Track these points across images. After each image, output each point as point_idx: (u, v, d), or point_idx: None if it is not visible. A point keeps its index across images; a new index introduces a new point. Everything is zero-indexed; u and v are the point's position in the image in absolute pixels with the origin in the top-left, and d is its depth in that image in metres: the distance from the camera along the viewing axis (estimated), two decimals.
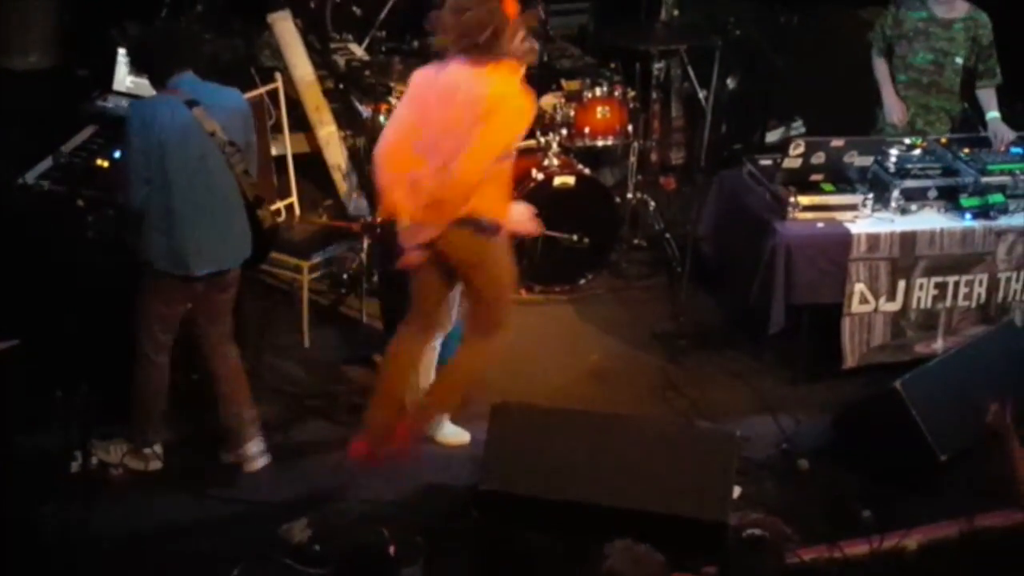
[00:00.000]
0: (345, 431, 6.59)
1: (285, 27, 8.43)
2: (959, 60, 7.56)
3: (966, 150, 7.44)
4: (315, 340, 7.30)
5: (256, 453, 6.28)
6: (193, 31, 6.03)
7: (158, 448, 6.25)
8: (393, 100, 7.56)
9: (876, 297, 7.12)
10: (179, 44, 5.98)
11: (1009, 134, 7.55)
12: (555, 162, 7.85)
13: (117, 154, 6.49)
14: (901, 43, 7.61)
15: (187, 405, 6.50)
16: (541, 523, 5.83)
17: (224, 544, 5.85)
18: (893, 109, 7.65)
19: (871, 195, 7.14)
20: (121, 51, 7.43)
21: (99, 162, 6.65)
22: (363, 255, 7.45)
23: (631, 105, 8.22)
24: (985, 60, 7.59)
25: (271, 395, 6.80)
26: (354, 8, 9.11)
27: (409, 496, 6.24)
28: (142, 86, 7.24)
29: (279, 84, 7.87)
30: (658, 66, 8.63)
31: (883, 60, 7.67)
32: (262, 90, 7.65)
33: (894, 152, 7.35)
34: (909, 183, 7.18)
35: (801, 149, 7.09)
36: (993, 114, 7.63)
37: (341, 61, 8.65)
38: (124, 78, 7.33)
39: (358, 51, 8.80)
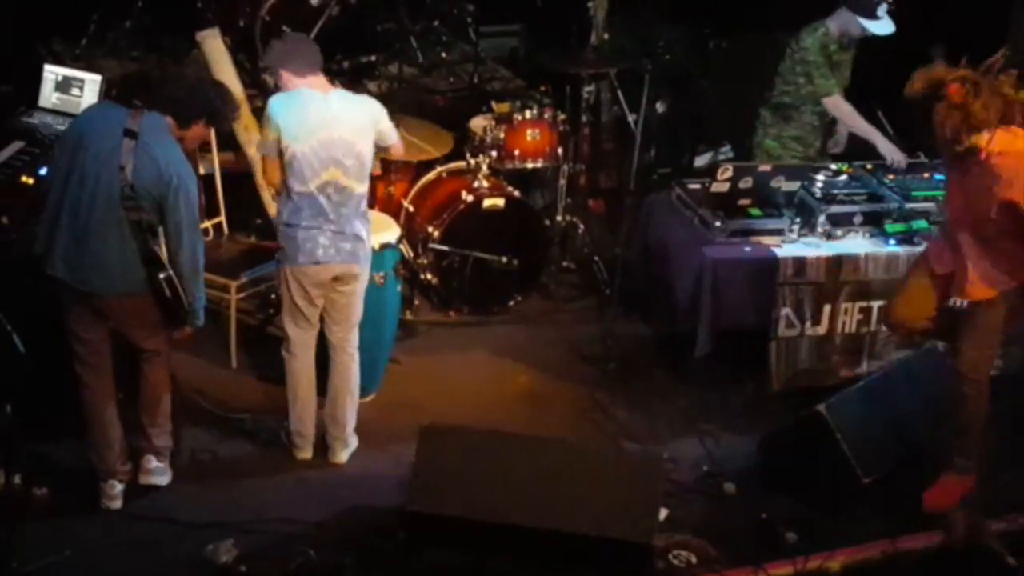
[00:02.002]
0: (272, 451, 6.62)
1: (214, 45, 8.42)
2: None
3: (891, 176, 7.59)
4: (243, 360, 7.31)
5: (151, 469, 6.28)
6: (213, 97, 5.92)
7: (112, 487, 6.15)
8: None
9: (802, 321, 7.22)
10: (176, 89, 5.99)
11: (898, 152, 7.70)
12: (485, 184, 7.91)
13: (43, 171, 6.48)
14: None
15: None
16: (468, 544, 5.87)
17: (149, 565, 5.85)
18: (893, 152, 7.73)
19: (798, 220, 7.25)
20: (48, 68, 7.42)
21: (24, 179, 6.64)
22: None
23: (561, 128, 8.28)
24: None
25: (198, 415, 6.80)
26: (284, 27, 9.11)
27: (336, 517, 6.25)
28: (69, 103, 7.29)
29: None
30: (588, 89, 8.71)
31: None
32: None
33: (820, 178, 7.47)
34: (835, 208, 7.30)
35: (729, 174, 7.19)
36: (878, 139, 7.76)
37: (271, 80, 8.65)
38: (50, 95, 7.32)
39: None
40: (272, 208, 7.71)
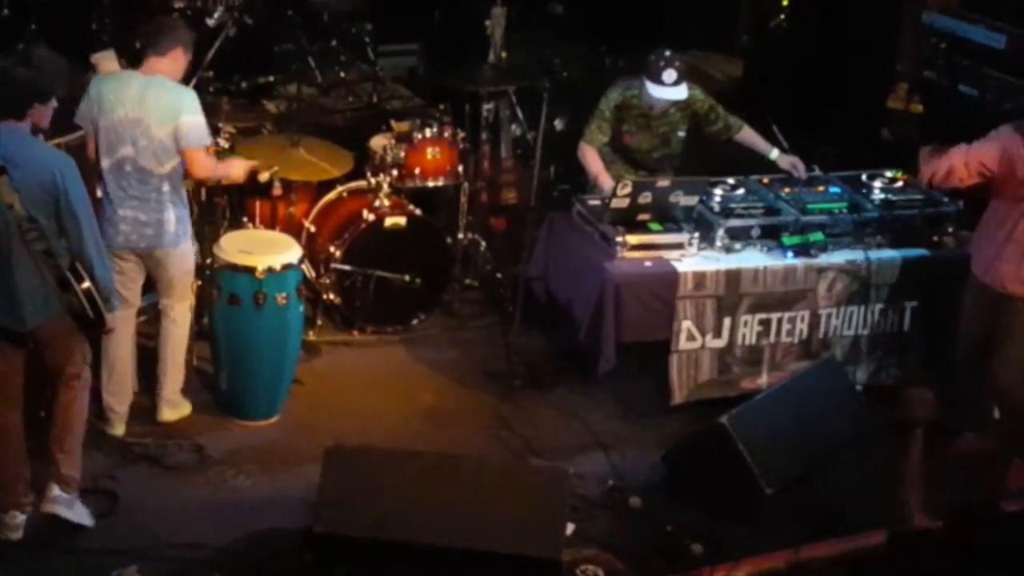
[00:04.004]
0: (175, 475, 6.54)
1: (110, 67, 8.31)
2: (681, 134, 7.90)
3: (787, 189, 7.67)
4: (142, 383, 7.20)
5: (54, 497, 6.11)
6: (27, 75, 5.63)
7: (14, 517, 6.02)
8: (221, 140, 7.51)
9: (703, 334, 7.27)
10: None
11: (799, 163, 7.83)
12: (386, 203, 7.88)
13: None
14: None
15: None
16: (376, 565, 5.82)
17: None
18: (794, 162, 7.87)
19: (697, 234, 7.29)
20: None
21: None
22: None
23: (461, 146, 8.29)
24: (714, 123, 7.88)
25: (99, 440, 6.68)
26: None
27: (242, 540, 6.18)
28: None
29: None
30: (487, 107, 8.72)
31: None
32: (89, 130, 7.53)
33: (718, 192, 7.53)
34: (733, 222, 7.35)
35: (628, 189, 7.22)
36: (775, 153, 7.88)
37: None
38: None
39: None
40: None
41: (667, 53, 7.55)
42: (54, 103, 5.80)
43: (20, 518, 6.04)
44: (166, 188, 6.54)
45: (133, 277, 6.71)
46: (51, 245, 5.63)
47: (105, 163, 6.51)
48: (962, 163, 6.70)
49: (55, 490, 6.06)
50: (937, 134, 9.33)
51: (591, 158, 7.74)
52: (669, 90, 7.56)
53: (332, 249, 7.75)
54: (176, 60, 6.58)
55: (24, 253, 5.61)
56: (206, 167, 6.72)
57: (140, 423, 6.92)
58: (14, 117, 5.63)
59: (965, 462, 5.87)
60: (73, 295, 5.70)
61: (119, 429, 6.80)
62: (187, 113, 6.48)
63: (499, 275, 8.45)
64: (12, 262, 5.61)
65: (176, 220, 6.60)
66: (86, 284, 5.70)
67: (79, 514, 6.10)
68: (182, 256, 6.74)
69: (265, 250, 6.97)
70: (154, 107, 6.42)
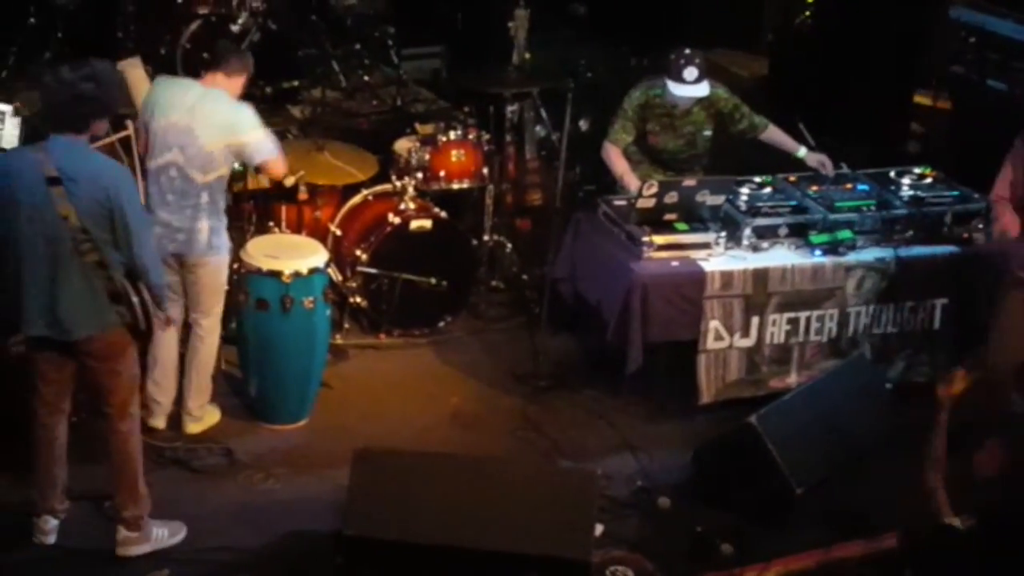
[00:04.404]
0: (206, 479, 6.57)
1: (136, 74, 8.36)
2: (707, 133, 7.87)
3: (814, 187, 7.65)
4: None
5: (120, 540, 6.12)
6: (92, 91, 5.59)
7: (47, 522, 6.08)
8: None
9: (731, 333, 7.26)
10: (54, 102, 5.64)
11: (827, 160, 7.81)
12: (411, 206, 7.90)
13: None
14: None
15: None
16: (405, 567, 5.84)
17: None
18: (822, 161, 7.85)
19: (724, 233, 7.29)
20: None
21: None
22: None
23: (486, 148, 8.30)
24: (738, 122, 7.85)
25: None
26: (205, 54, 9.07)
27: (272, 543, 6.21)
28: None
29: (130, 131, 7.81)
30: (511, 109, 8.72)
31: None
32: (114, 138, 7.54)
33: (745, 191, 7.53)
34: (760, 221, 7.35)
35: (654, 189, 7.22)
36: (802, 151, 7.86)
37: None
38: None
39: None
40: None
41: (687, 51, 7.55)
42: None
43: (53, 523, 6.07)
44: (204, 198, 6.57)
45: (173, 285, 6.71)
46: (104, 256, 5.64)
47: (151, 165, 6.60)
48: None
49: (121, 532, 6.07)
50: (965, 130, 9.36)
51: (615, 158, 7.74)
52: (690, 88, 7.56)
53: (358, 252, 7.78)
54: (236, 85, 6.68)
55: (76, 265, 5.63)
56: (282, 168, 6.85)
57: (170, 427, 6.96)
58: (75, 131, 5.61)
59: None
60: (126, 306, 5.72)
61: (160, 421, 6.87)
62: (250, 129, 6.58)
63: (525, 276, 8.46)
64: (62, 273, 5.63)
65: (209, 230, 6.62)
66: (138, 296, 5.72)
67: (157, 541, 6.11)
68: (214, 268, 6.75)
69: (292, 254, 7.00)
70: (207, 119, 6.46)
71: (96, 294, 5.68)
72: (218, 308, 6.89)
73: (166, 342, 6.74)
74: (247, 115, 6.62)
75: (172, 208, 6.55)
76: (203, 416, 6.99)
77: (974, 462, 5.42)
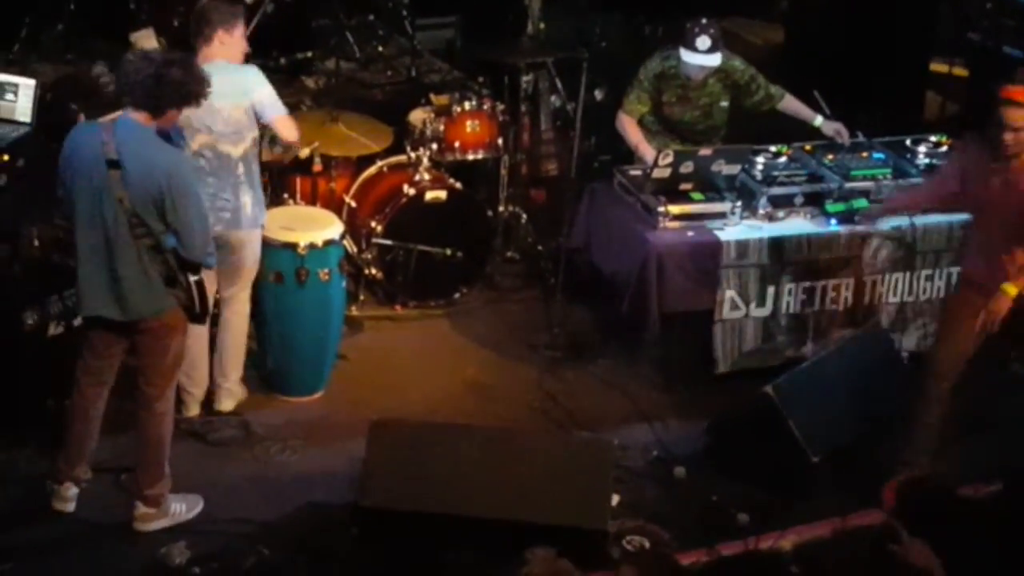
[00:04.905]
0: (221, 451, 6.60)
1: (149, 46, 8.39)
2: (723, 104, 7.84)
3: (830, 156, 7.64)
4: None
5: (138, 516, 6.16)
6: (180, 77, 5.63)
7: (68, 489, 6.12)
8: None
9: (747, 303, 7.27)
10: (135, 79, 5.63)
11: (843, 129, 7.79)
12: (426, 177, 7.90)
13: None
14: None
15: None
16: (422, 538, 5.87)
17: (103, 569, 5.85)
18: (838, 129, 7.83)
19: (739, 203, 7.28)
20: None
21: None
22: None
23: (501, 118, 8.28)
24: (755, 93, 7.83)
25: None
26: None
27: (288, 515, 6.24)
28: (4, 108, 7.28)
29: None
30: (526, 79, 8.71)
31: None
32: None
33: (760, 160, 7.52)
34: (776, 190, 7.34)
35: (670, 159, 7.22)
36: (819, 120, 7.83)
37: None
38: None
39: None
40: None
41: (703, 20, 7.52)
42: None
43: (74, 491, 6.12)
44: (241, 170, 6.54)
45: None
46: (159, 240, 5.67)
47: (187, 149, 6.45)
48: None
49: (140, 508, 6.10)
50: (982, 97, 9.30)
51: (630, 128, 7.73)
52: (703, 57, 7.53)
53: (373, 224, 7.79)
54: (223, 42, 6.51)
55: (131, 246, 5.67)
56: (292, 128, 6.78)
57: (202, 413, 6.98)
58: (148, 111, 5.61)
59: None
60: (181, 289, 5.77)
61: (194, 410, 6.84)
62: (257, 87, 6.56)
63: (540, 247, 8.46)
64: (118, 254, 5.67)
65: (253, 203, 6.61)
66: (194, 278, 5.76)
67: (175, 516, 6.14)
68: (257, 240, 6.75)
69: (307, 226, 7.01)
70: (222, 90, 6.29)
71: (152, 277, 5.73)
72: (251, 281, 6.88)
73: (197, 332, 6.61)
74: (253, 73, 6.60)
75: (214, 188, 6.47)
76: (239, 392, 6.99)
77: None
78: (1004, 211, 6.20)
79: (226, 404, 6.93)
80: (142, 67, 5.60)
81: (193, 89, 5.71)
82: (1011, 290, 6.24)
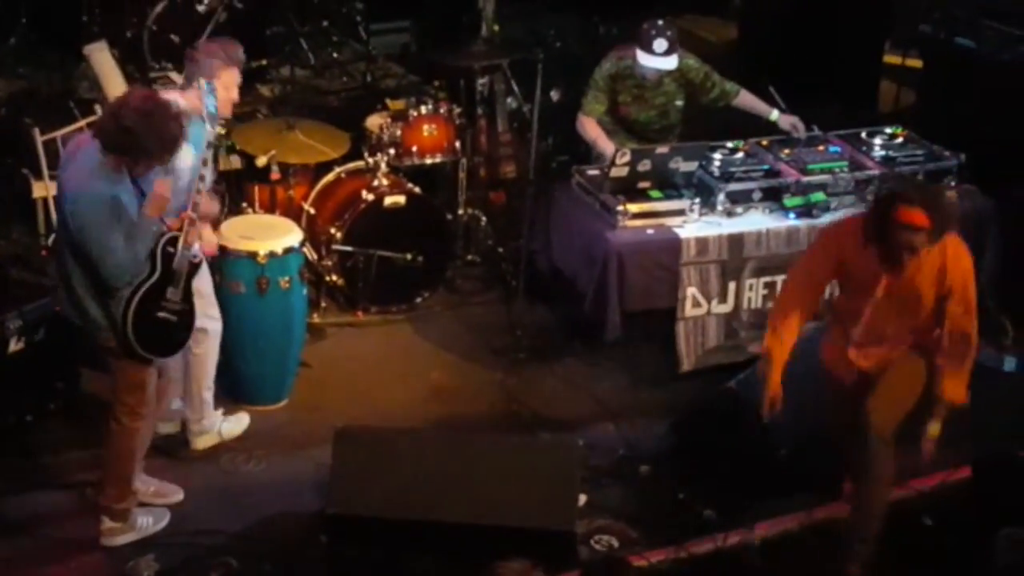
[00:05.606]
0: (186, 464, 6.59)
1: (102, 58, 8.35)
2: (679, 103, 7.88)
3: (786, 151, 7.68)
4: None
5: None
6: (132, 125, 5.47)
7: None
8: (218, 128, 7.50)
9: (708, 300, 7.30)
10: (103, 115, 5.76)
11: (799, 122, 7.84)
12: (385, 182, 7.90)
13: None
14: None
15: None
16: (390, 544, 5.87)
17: None
18: (793, 122, 7.85)
19: (697, 200, 7.31)
20: None
21: None
22: None
23: (457, 122, 8.30)
24: (710, 91, 7.86)
25: None
26: (172, 36, 9.06)
27: (256, 524, 6.23)
28: None
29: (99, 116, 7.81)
30: (482, 82, 8.71)
31: None
32: (82, 123, 7.57)
33: (717, 156, 7.54)
34: (734, 186, 7.37)
35: (627, 158, 7.24)
36: (775, 114, 7.88)
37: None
38: None
39: (178, 79, 8.71)
40: None
41: (659, 23, 7.54)
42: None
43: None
44: None
45: None
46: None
47: None
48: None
49: (106, 522, 6.08)
50: (937, 88, 9.40)
51: (589, 126, 7.75)
52: (659, 60, 7.56)
53: (333, 231, 7.78)
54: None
55: (67, 254, 5.70)
56: None
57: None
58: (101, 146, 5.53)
59: None
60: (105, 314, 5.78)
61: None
62: None
63: (500, 249, 8.47)
64: (74, 275, 5.70)
65: None
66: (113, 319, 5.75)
67: (142, 530, 6.12)
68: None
69: (266, 235, 6.99)
70: None
71: (76, 290, 5.72)
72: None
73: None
74: None
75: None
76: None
77: None
78: (895, 293, 5.91)
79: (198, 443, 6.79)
80: (111, 112, 5.61)
81: (146, 147, 5.57)
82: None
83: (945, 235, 5.69)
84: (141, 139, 5.43)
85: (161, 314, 5.74)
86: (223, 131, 6.32)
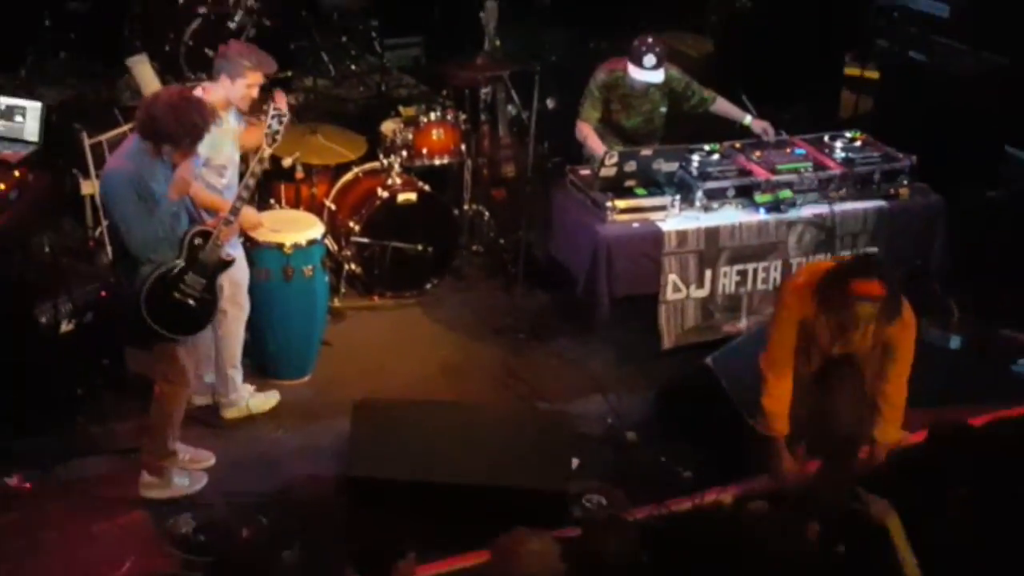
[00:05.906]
0: (221, 433, 6.63)
1: (143, 69, 8.39)
2: (663, 110, 7.89)
3: (757, 153, 7.71)
4: None
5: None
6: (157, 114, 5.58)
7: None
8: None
9: (687, 285, 7.34)
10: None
11: (769, 126, 7.86)
12: (398, 181, 7.93)
13: None
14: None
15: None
16: (404, 502, 5.91)
17: (121, 536, 5.87)
18: (764, 126, 7.88)
19: (678, 196, 7.34)
20: None
21: None
22: None
23: (463, 127, 8.32)
24: (690, 98, 7.87)
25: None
26: (206, 49, 9.09)
27: (283, 487, 6.27)
28: (12, 129, 7.27)
29: None
30: (485, 91, 8.73)
31: None
32: (125, 127, 7.60)
33: (696, 158, 7.57)
34: (710, 184, 7.40)
35: (615, 159, 7.28)
36: (748, 119, 7.91)
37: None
38: None
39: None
40: None
41: (649, 39, 7.57)
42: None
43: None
44: None
45: None
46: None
47: None
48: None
49: (144, 476, 6.16)
50: (892, 97, 9.43)
51: (585, 131, 7.78)
52: (648, 73, 7.59)
53: (351, 224, 7.81)
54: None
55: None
56: None
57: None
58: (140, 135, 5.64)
59: None
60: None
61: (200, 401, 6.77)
62: None
63: (502, 241, 8.49)
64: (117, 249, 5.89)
65: None
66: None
67: (176, 489, 6.17)
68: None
69: (291, 228, 7.03)
70: None
71: (119, 258, 5.87)
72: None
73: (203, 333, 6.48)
74: None
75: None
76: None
77: None
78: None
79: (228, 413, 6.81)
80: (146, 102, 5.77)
81: (171, 132, 5.65)
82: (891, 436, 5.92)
83: (898, 316, 5.59)
84: (164, 126, 5.54)
85: (176, 295, 5.79)
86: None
